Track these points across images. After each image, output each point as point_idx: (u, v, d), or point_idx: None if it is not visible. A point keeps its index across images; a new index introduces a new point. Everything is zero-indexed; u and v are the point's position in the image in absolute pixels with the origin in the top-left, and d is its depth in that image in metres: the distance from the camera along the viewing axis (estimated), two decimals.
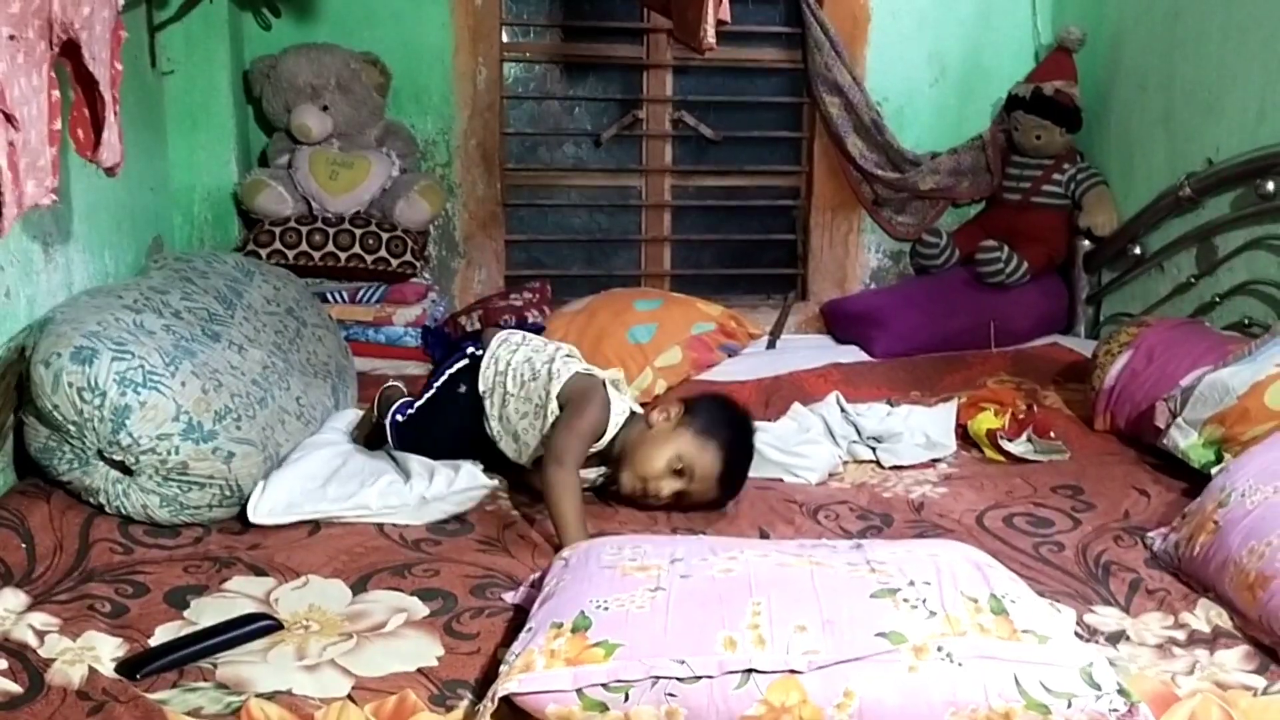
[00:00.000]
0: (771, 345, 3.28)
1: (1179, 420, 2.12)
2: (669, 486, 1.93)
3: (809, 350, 3.22)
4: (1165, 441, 2.15)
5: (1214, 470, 1.90)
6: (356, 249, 2.94)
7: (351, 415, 2.30)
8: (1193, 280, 2.88)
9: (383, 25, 3.18)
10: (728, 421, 2.02)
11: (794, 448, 2.27)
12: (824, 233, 3.60)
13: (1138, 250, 3.10)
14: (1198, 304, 2.84)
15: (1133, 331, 2.48)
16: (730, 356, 3.06)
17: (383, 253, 2.96)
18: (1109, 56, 3.27)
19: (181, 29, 2.89)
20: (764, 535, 1.90)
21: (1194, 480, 2.02)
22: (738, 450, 2.00)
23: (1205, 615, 1.57)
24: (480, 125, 3.32)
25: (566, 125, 3.54)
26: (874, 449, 2.33)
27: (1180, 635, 1.52)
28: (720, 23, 2.79)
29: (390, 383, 2.29)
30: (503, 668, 1.25)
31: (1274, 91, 2.60)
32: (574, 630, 1.25)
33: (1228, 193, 2.75)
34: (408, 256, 2.98)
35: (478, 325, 3.01)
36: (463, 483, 1.93)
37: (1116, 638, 1.50)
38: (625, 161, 3.56)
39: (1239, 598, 1.53)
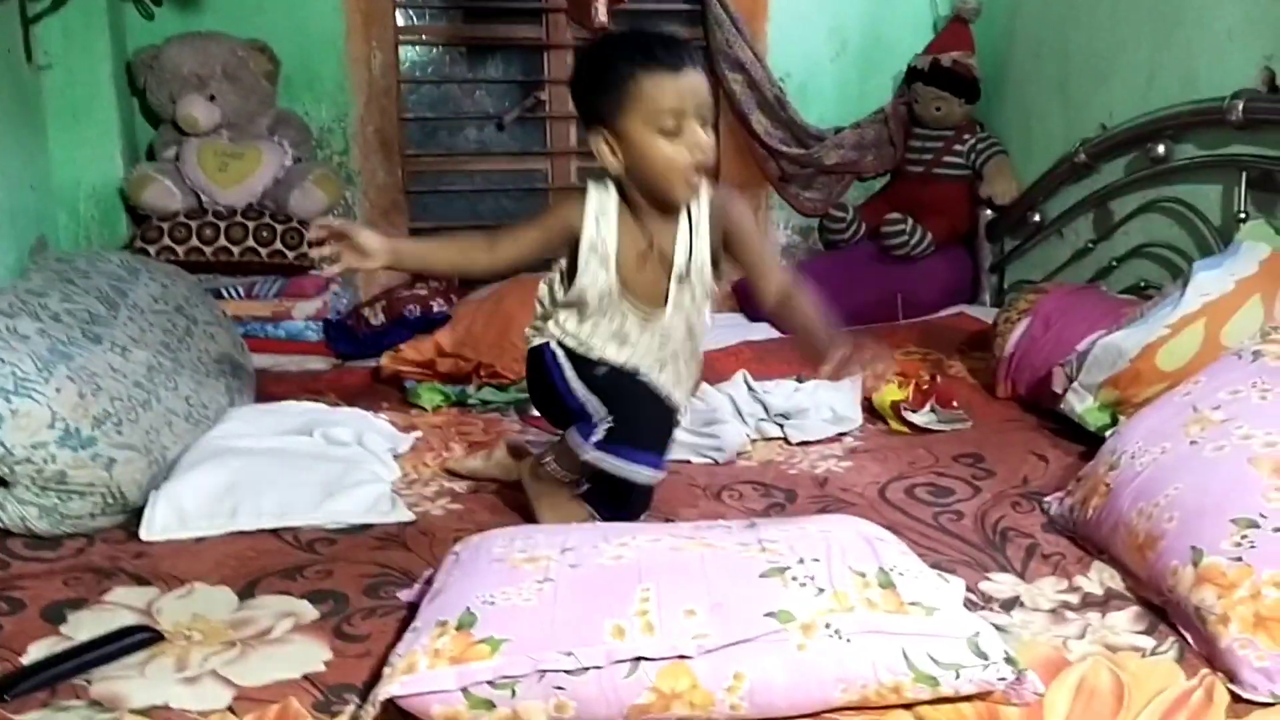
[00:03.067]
0: None
1: (1075, 385, 2.15)
2: (698, 136, 1.56)
3: (721, 329, 3.19)
4: (1063, 406, 2.17)
5: (1108, 433, 1.92)
6: (250, 242, 2.87)
7: (246, 412, 2.23)
8: (1091, 245, 2.92)
9: (270, 11, 3.09)
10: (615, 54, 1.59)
11: (702, 428, 2.26)
12: None
13: (1037, 217, 3.14)
14: (1096, 268, 2.89)
15: (1031, 299, 2.51)
16: None
17: (278, 245, 2.88)
18: (1005, 26, 3.30)
19: (58, 21, 2.80)
20: (667, 519, 1.87)
21: (1092, 444, 2.03)
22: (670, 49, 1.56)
23: (1098, 578, 1.58)
24: (378, 111, 3.25)
25: (467, 109, 3.48)
26: (781, 426, 2.32)
27: (1074, 599, 1.53)
28: (614, 1, 2.76)
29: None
30: (386, 669, 1.22)
31: (1162, 56, 2.65)
32: (459, 628, 1.22)
33: (1121, 157, 2.80)
34: (305, 248, 2.91)
35: (382, 318, 2.95)
36: (375, 516, 1.85)
37: (1011, 604, 1.51)
38: (530, 144, 3.52)
39: (1130, 559, 1.55)
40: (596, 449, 1.64)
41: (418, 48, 3.40)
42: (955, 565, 1.63)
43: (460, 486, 2.03)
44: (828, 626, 1.20)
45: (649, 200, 1.64)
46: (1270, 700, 1.27)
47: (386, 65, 3.24)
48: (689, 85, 1.54)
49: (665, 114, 1.53)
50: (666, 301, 1.69)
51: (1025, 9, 3.22)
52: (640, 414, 1.68)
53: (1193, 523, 1.44)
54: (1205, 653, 1.35)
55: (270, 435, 2.10)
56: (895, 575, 1.28)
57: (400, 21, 3.29)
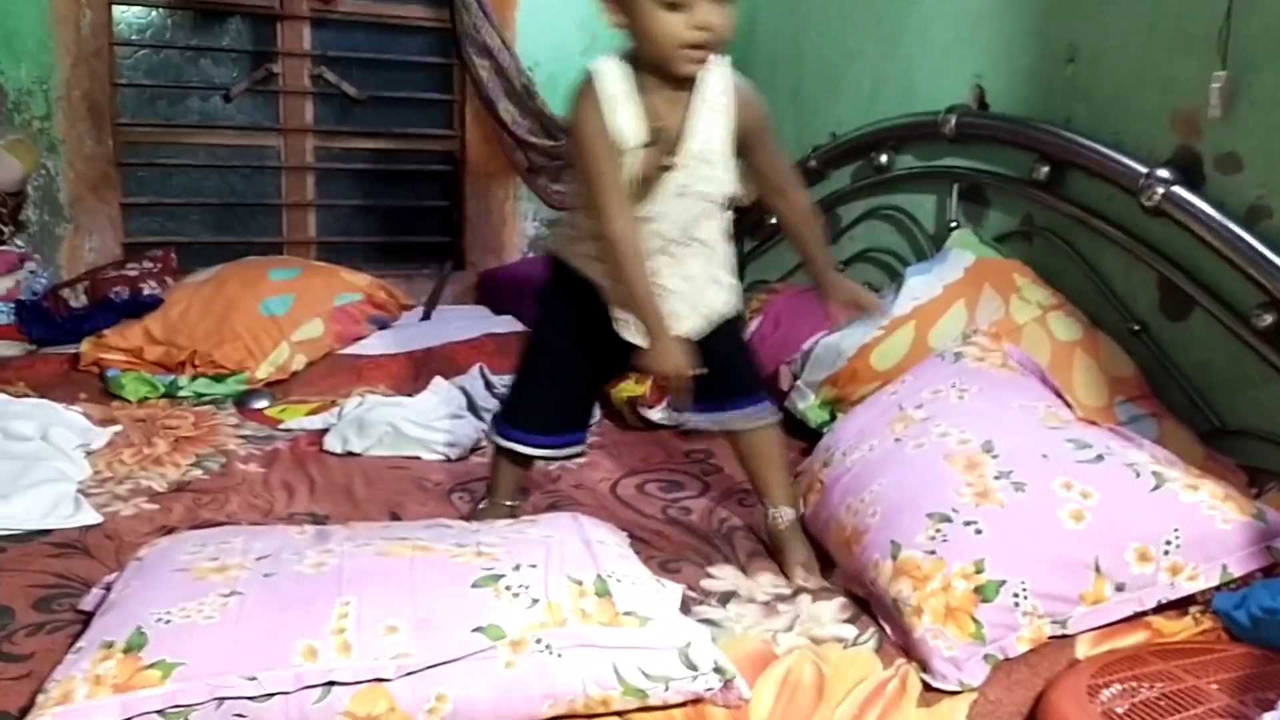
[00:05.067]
0: (426, 316, 3.17)
1: (799, 383, 2.22)
2: (707, 14, 1.43)
3: (465, 321, 3.14)
4: (788, 404, 2.24)
5: (826, 430, 1.99)
6: None
7: None
8: None
9: None
10: None
11: (434, 422, 2.19)
12: (479, 200, 3.52)
13: (774, 220, 3.23)
14: None
15: (763, 299, 2.58)
16: (381, 329, 2.93)
17: None
18: (745, 33, 3.37)
19: None
20: (395, 518, 1.79)
21: (816, 440, 2.09)
22: None
23: None
24: (86, 74, 2.97)
25: (191, 77, 3.24)
26: None
27: (787, 591, 1.56)
28: None
29: None
30: (40, 698, 1.08)
31: (885, 70, 2.78)
32: (126, 650, 1.10)
33: (848, 165, 2.92)
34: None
35: (85, 300, 2.70)
36: (54, 520, 1.66)
37: (727, 598, 1.52)
38: (260, 119, 3.31)
39: (839, 552, 1.60)
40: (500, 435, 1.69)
41: (135, 8, 3.12)
42: (681, 561, 1.63)
43: (160, 484, 1.87)
44: (539, 642, 1.16)
45: (652, 70, 1.49)
46: (958, 689, 1.34)
47: (98, 25, 2.96)
48: None
49: None
50: (662, 183, 1.55)
51: (763, 18, 3.31)
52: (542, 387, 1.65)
53: (893, 517, 1.50)
54: (901, 643, 1.40)
55: None
56: (612, 583, 1.25)
57: None
